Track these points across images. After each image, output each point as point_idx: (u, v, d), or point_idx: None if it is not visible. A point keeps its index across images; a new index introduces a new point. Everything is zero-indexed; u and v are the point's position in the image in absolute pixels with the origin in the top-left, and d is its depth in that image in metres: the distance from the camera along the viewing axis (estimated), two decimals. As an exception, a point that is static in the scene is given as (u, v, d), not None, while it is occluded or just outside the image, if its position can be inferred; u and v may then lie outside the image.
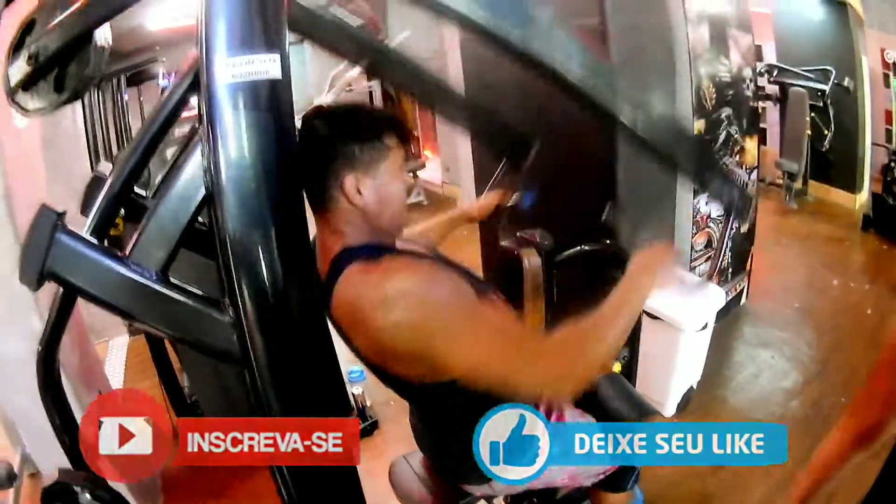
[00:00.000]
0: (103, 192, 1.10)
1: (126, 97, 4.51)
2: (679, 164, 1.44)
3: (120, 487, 2.11)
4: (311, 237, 1.11)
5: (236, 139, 0.98)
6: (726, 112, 2.67)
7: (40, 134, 2.36)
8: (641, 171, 2.34)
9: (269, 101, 1.00)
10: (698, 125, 2.53)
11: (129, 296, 1.00)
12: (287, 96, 1.02)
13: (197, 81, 1.00)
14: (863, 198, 4.30)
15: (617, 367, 1.73)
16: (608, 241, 1.83)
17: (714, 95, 2.59)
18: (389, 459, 1.73)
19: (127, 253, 1.02)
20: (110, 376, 3.59)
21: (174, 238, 1.03)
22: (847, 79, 4.11)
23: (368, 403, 2.81)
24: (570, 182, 2.22)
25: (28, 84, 1.18)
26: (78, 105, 2.65)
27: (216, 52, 0.95)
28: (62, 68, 1.19)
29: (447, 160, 5.77)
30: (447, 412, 1.36)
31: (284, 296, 1.02)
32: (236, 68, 0.97)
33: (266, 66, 0.98)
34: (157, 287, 1.00)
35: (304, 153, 1.11)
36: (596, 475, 1.64)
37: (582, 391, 1.71)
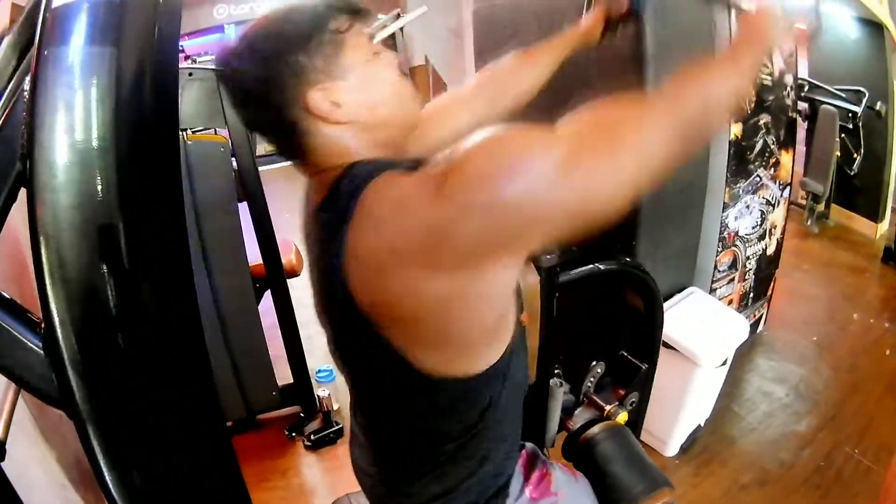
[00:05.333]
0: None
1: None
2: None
3: (57, 473, 1.69)
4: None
5: (66, 80, 0.57)
6: (764, 119, 2.21)
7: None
8: (667, 180, 1.86)
9: (117, 27, 0.60)
10: (735, 129, 2.07)
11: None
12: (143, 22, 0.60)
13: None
14: (884, 227, 3.84)
15: (623, 417, 1.30)
16: (626, 260, 1.38)
17: (753, 99, 2.12)
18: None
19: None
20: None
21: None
22: (879, 103, 3.64)
23: (335, 407, 2.35)
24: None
25: None
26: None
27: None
28: None
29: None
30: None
31: (121, 321, 0.60)
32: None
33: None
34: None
35: (240, 100, 0.76)
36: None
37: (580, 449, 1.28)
